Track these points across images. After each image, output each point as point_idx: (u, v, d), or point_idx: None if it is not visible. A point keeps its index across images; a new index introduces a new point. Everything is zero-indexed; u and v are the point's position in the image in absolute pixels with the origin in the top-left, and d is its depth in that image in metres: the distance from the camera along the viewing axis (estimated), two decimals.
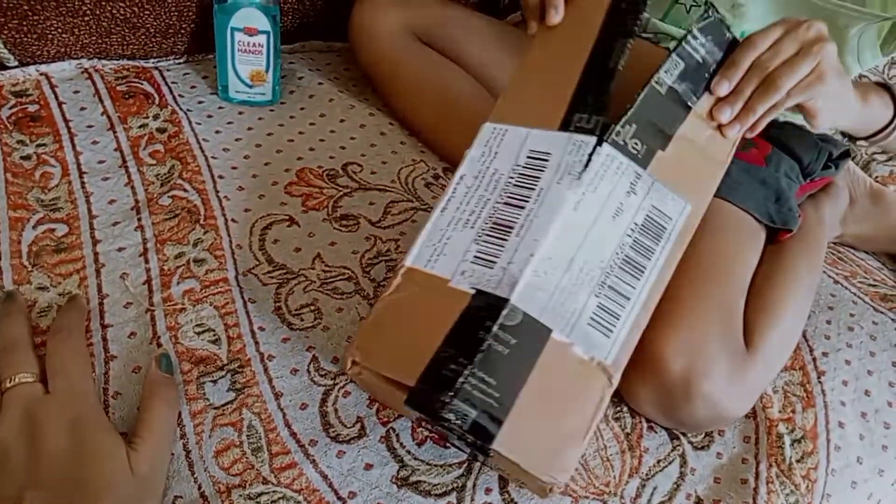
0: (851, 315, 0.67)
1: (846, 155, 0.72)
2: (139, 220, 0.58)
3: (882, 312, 0.68)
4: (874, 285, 0.72)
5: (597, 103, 0.47)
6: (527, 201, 0.45)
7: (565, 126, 0.47)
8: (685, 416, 0.53)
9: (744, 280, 0.59)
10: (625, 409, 0.57)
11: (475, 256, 0.44)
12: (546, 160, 0.46)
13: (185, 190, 0.61)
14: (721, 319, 0.54)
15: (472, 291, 0.42)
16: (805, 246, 0.66)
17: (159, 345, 0.50)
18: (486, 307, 0.42)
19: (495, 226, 0.45)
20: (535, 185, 0.46)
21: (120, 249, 0.56)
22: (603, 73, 0.48)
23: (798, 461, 0.55)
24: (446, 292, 0.43)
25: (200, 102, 0.72)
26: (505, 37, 0.79)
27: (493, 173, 0.48)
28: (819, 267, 0.67)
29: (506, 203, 0.46)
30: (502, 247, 0.44)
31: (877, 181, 0.83)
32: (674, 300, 0.52)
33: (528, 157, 0.47)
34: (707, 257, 0.57)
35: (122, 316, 0.52)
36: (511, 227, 0.44)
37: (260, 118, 0.72)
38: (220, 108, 0.72)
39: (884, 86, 0.59)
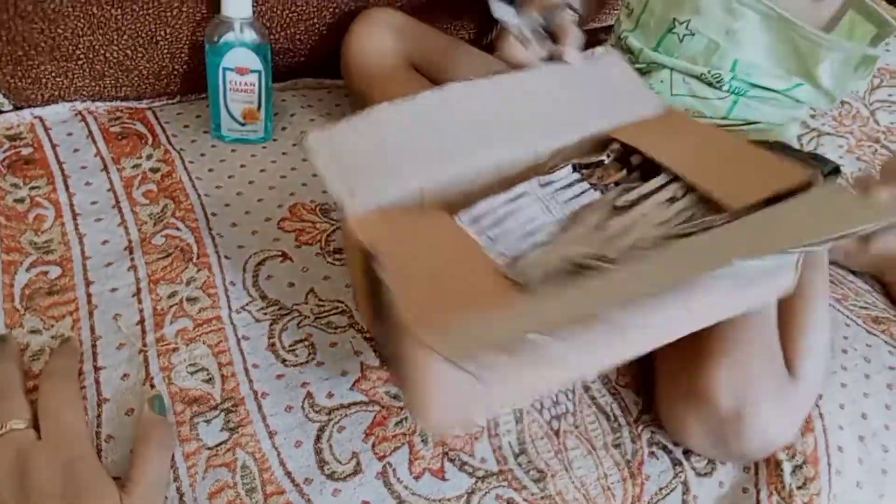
0: (845, 338, 0.67)
1: (837, 171, 0.73)
2: (132, 260, 0.58)
3: (875, 335, 0.68)
4: (866, 308, 0.72)
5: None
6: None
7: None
8: (736, 448, 0.53)
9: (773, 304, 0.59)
10: (624, 433, 0.56)
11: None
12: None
13: (178, 229, 0.61)
14: (763, 349, 0.55)
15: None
16: (809, 257, 0.67)
17: (152, 386, 0.50)
18: None
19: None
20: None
21: (113, 290, 0.56)
22: None
23: (800, 488, 0.55)
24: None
25: (193, 141, 0.73)
26: (493, 69, 0.81)
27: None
28: (826, 273, 0.67)
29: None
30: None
31: None
32: (714, 336, 0.53)
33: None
34: None
35: (115, 357, 0.51)
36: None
37: (253, 155, 0.72)
38: (213, 146, 0.72)
39: None
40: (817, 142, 0.93)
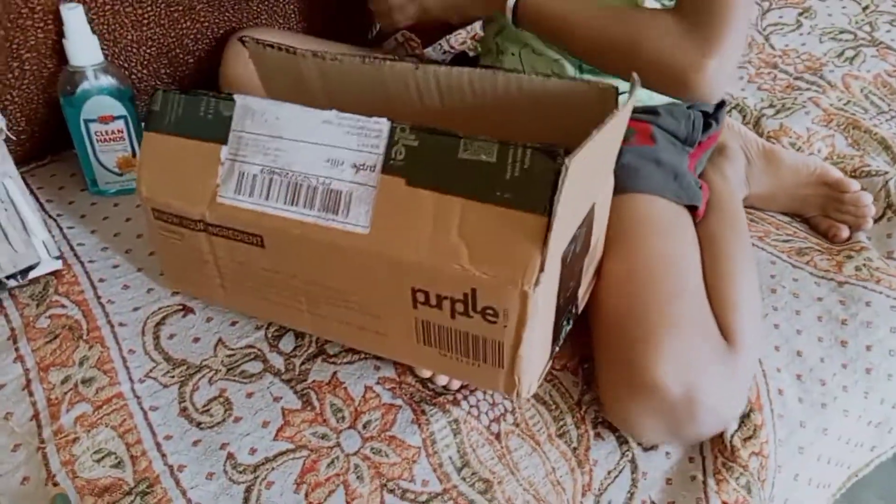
0: (772, 276, 0.67)
1: (722, 105, 0.71)
2: (17, 349, 0.54)
3: (800, 268, 0.68)
4: (788, 240, 0.72)
5: None
6: None
7: None
8: (692, 432, 0.52)
9: (698, 274, 0.58)
10: (567, 420, 0.55)
11: None
12: None
13: (63, 306, 0.57)
14: (699, 325, 0.53)
15: None
16: (726, 216, 0.66)
17: (55, 484, 0.46)
18: None
19: None
20: None
21: (0, 387, 0.51)
22: None
23: (748, 439, 0.54)
24: None
25: (71, 203, 0.68)
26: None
27: None
28: (745, 230, 0.67)
29: None
30: None
31: (769, 137, 0.83)
32: (649, 322, 0.51)
33: None
34: (659, 266, 0.55)
35: (11, 461, 0.48)
36: None
37: (138, 205, 0.68)
38: (94, 203, 0.68)
39: None
40: None
